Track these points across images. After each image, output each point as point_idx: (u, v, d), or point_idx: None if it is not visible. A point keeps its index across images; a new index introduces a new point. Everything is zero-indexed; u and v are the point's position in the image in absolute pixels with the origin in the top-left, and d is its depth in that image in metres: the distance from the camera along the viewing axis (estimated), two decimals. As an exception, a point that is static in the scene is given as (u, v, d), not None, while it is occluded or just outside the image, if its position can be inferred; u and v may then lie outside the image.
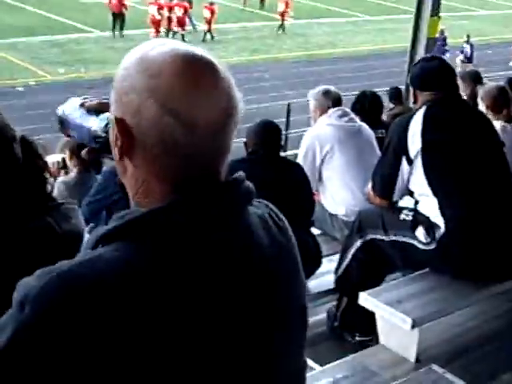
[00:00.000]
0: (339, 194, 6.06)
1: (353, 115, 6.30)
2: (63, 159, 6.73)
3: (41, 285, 1.33)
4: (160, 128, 1.42)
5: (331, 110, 6.17)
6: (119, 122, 1.47)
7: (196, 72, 1.46)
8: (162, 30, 29.25)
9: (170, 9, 29.72)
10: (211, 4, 30.06)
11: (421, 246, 4.44)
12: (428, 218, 4.43)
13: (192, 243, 1.42)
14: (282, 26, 31.32)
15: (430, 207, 4.43)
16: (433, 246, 4.39)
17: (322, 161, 6.03)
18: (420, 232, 4.44)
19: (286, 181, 5.16)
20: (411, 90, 4.82)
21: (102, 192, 4.70)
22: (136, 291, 1.34)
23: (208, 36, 29.77)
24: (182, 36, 29.37)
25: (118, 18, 27.77)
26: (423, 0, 12.09)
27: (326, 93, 6.34)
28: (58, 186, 6.13)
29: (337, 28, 32.95)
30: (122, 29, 27.81)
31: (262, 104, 15.88)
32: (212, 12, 29.74)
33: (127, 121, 1.46)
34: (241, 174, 1.56)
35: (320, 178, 6.10)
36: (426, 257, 4.46)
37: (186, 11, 29.98)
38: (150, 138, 1.44)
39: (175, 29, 29.53)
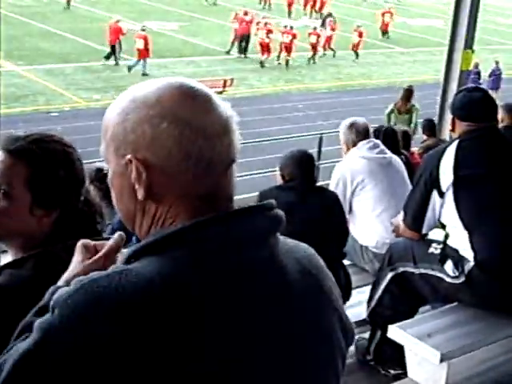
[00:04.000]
0: (370, 225, 6.05)
1: (383, 147, 6.29)
2: None
3: (70, 291, 1.41)
4: (180, 141, 1.47)
5: (361, 143, 6.18)
6: (134, 160, 1.50)
7: (191, 89, 1.55)
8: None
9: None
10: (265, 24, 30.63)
11: (449, 280, 4.43)
12: (457, 251, 4.42)
13: (225, 259, 1.46)
14: (313, 57, 31.35)
15: (460, 240, 4.42)
16: (461, 280, 4.38)
17: (353, 192, 6.03)
18: (448, 266, 4.43)
19: (320, 210, 5.18)
20: (450, 118, 4.78)
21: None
22: (168, 304, 1.38)
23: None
24: (287, 61, 30.07)
25: (116, 48, 27.73)
26: (456, 32, 12.08)
27: (352, 126, 6.33)
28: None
29: (370, 59, 32.97)
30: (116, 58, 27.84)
31: (295, 134, 15.93)
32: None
33: (142, 155, 1.49)
34: (271, 201, 1.60)
35: (351, 210, 6.10)
36: (455, 290, 4.45)
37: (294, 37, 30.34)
38: (174, 157, 1.48)
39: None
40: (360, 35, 33.22)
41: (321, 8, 42.24)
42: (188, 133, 1.47)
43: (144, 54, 27.01)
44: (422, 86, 26.34)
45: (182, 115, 1.48)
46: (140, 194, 1.52)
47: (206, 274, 1.44)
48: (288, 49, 30.10)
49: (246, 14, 31.89)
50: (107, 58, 27.81)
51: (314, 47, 31.36)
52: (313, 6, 43.55)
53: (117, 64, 27.67)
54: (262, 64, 29.42)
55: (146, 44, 27.08)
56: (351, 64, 31.64)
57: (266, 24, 30.88)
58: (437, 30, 39.60)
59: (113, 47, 27.89)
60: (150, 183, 1.50)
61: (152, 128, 1.48)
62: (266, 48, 29.89)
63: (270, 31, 30.31)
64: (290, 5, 42.61)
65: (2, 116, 6.96)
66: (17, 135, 2.25)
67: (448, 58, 11.88)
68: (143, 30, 27.82)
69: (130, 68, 26.65)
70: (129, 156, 1.50)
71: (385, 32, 36.89)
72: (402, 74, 30.67)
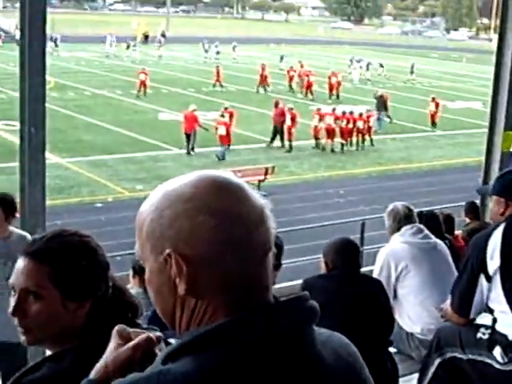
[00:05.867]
0: (415, 312, 5.98)
1: (427, 232, 6.26)
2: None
3: None
4: (218, 232, 1.48)
5: (405, 228, 6.16)
6: (174, 254, 1.50)
7: (224, 181, 1.56)
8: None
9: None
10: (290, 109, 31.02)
11: (498, 366, 4.34)
12: (506, 336, 4.34)
13: (264, 357, 1.46)
14: (363, 142, 31.35)
15: (509, 325, 4.34)
16: (511, 367, 4.29)
17: (397, 279, 5.99)
18: (497, 351, 4.34)
19: (365, 298, 5.15)
20: (496, 199, 4.72)
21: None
22: None
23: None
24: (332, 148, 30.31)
25: (191, 136, 28.16)
26: (496, 114, 12.09)
27: (394, 211, 6.33)
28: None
29: (409, 143, 33.06)
30: (193, 148, 28.19)
31: (337, 220, 15.92)
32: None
33: (181, 249, 1.50)
34: (306, 293, 1.59)
35: (395, 296, 6.05)
36: (504, 377, 4.35)
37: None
38: (213, 249, 1.48)
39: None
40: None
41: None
42: (225, 223, 1.48)
43: (226, 140, 27.66)
44: (464, 169, 26.37)
45: (218, 206, 1.49)
46: (181, 289, 1.52)
47: (246, 373, 1.44)
48: (331, 134, 30.31)
49: (277, 104, 32.01)
50: (189, 151, 28.18)
51: (362, 133, 31.47)
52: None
53: (189, 153, 28.06)
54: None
55: (228, 130, 27.82)
56: (391, 149, 31.69)
57: (318, 109, 31.17)
58: (476, 112, 39.77)
59: (188, 136, 28.27)
60: (190, 277, 1.50)
61: (189, 222, 1.49)
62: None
63: (322, 116, 30.55)
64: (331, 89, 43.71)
65: (47, 208, 7.10)
66: (33, 238, 2.36)
67: (488, 140, 11.86)
68: (222, 116, 28.58)
69: (219, 157, 27.10)
70: (167, 251, 1.51)
71: (433, 122, 36.57)
72: (443, 156, 30.66)
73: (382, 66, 56.41)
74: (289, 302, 1.55)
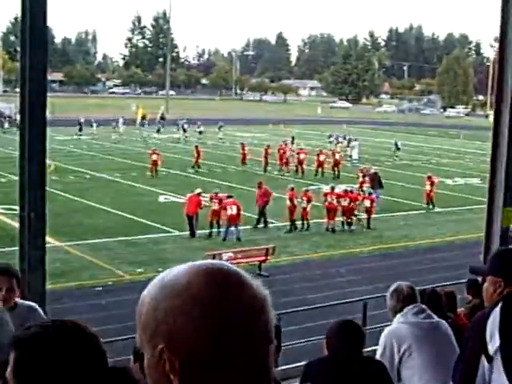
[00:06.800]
0: (419, 393, 5.91)
1: (429, 312, 6.22)
2: None
3: None
4: (213, 330, 1.45)
5: (407, 308, 6.12)
6: (166, 351, 1.48)
7: (221, 272, 1.51)
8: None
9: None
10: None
11: None
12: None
13: None
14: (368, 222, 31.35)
15: (514, 406, 4.27)
16: None
17: (401, 360, 5.93)
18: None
19: (368, 381, 5.09)
20: (497, 280, 4.66)
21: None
22: None
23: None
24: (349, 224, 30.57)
25: (192, 218, 28.17)
26: (494, 191, 12.13)
27: (396, 292, 6.29)
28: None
29: (409, 221, 33.10)
30: (194, 229, 28.18)
31: (339, 300, 15.84)
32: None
33: (175, 345, 1.47)
34: None
35: (399, 379, 5.97)
36: None
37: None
38: (207, 348, 1.45)
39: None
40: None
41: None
42: (220, 320, 1.45)
43: (235, 219, 27.83)
44: (464, 245, 26.33)
45: (213, 302, 1.46)
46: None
47: None
48: (332, 215, 30.45)
49: (260, 185, 32.17)
50: (192, 235, 28.13)
51: (369, 211, 31.59)
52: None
53: (192, 235, 28.02)
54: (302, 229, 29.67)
55: (239, 210, 28.01)
56: (392, 227, 31.70)
57: (306, 192, 31.27)
58: (475, 188, 39.95)
59: (190, 218, 28.27)
60: (184, 374, 1.47)
61: (183, 317, 1.46)
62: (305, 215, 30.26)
63: (309, 198, 30.62)
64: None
65: (47, 292, 7.09)
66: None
67: (488, 216, 11.87)
68: (230, 197, 28.68)
69: (224, 238, 27.46)
70: (160, 346, 1.48)
71: (429, 202, 36.38)
72: (443, 234, 30.67)
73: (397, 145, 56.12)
74: None
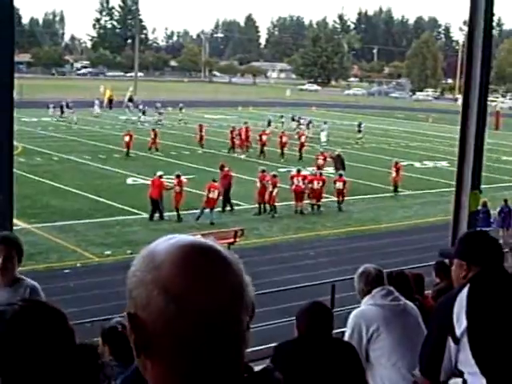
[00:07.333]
0: (388, 374, 5.95)
1: (397, 294, 6.26)
2: None
3: None
4: (167, 318, 1.45)
5: (375, 290, 6.16)
6: (132, 317, 1.50)
7: (197, 259, 1.50)
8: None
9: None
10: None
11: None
12: (477, 397, 4.31)
13: None
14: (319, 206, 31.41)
15: (479, 387, 4.31)
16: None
17: (369, 341, 5.97)
18: (468, 414, 4.31)
19: (337, 362, 5.12)
20: (462, 263, 4.69)
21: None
22: None
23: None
24: (318, 206, 30.87)
25: (157, 202, 28.07)
26: (463, 174, 12.20)
27: (364, 274, 6.32)
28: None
29: (378, 203, 33.26)
30: (161, 212, 28.11)
31: (307, 282, 15.88)
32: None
33: (139, 315, 1.49)
34: (270, 365, 1.58)
35: (368, 359, 6.01)
36: None
37: (323, 183, 31.06)
38: (160, 329, 1.46)
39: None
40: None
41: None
42: (173, 307, 1.45)
43: (214, 202, 28.04)
44: (432, 228, 26.53)
45: (174, 288, 1.46)
46: (134, 350, 1.52)
47: None
48: (300, 198, 30.57)
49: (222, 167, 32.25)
50: (151, 217, 28.13)
51: (342, 193, 31.80)
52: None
53: (162, 218, 28.02)
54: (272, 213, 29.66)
55: (219, 195, 28.29)
56: (360, 210, 31.84)
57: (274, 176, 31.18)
58: (444, 171, 40.20)
59: (154, 202, 28.23)
60: (142, 341, 1.49)
61: (147, 292, 1.48)
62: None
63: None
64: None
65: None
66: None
67: (456, 200, 11.95)
68: (214, 181, 28.70)
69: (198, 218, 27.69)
70: (128, 311, 1.52)
71: (395, 188, 36.41)
72: (411, 216, 30.87)
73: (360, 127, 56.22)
74: (256, 375, 1.52)
